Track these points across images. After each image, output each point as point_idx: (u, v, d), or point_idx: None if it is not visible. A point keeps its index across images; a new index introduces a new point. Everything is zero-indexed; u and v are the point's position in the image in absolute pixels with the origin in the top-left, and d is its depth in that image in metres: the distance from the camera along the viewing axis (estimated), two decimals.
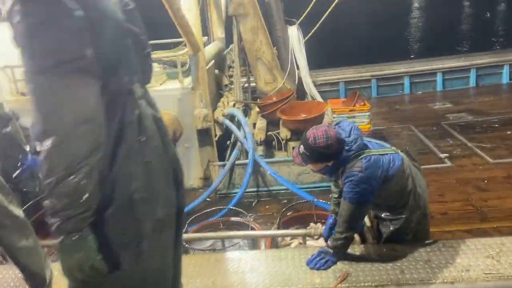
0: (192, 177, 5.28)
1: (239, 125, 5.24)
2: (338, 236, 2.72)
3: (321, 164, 2.62)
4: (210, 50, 6.09)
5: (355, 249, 2.83)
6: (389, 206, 2.82)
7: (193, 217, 4.04)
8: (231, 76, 6.41)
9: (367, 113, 5.43)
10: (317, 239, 3.09)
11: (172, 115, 5.02)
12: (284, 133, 5.05)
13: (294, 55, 5.92)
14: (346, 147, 2.56)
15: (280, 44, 5.99)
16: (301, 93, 6.17)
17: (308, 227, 3.18)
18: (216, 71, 6.74)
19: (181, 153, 5.10)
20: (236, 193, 4.75)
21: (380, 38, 14.25)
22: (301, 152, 2.56)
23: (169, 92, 5.04)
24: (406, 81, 8.29)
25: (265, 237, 3.30)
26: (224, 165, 5.02)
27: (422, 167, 2.99)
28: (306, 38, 6.16)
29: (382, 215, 2.86)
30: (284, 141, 5.10)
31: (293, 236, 3.28)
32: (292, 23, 6.25)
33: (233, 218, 4.02)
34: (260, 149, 5.26)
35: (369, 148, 2.66)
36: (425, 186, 2.87)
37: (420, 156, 4.16)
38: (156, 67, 5.40)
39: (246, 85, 6.38)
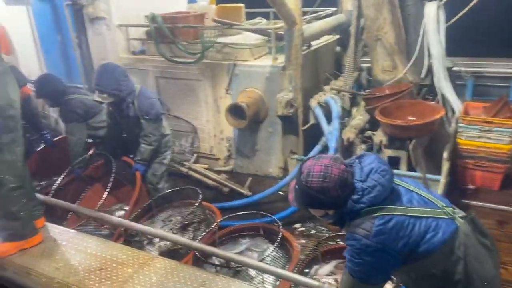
0: (271, 165, 4.82)
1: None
2: None
3: (317, 210, 1.89)
4: (326, 23, 5.30)
5: None
6: None
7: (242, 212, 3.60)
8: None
9: (510, 130, 3.98)
10: None
11: (258, 95, 4.56)
12: (379, 137, 4.09)
13: (427, 39, 4.67)
14: (355, 196, 1.77)
15: (409, 24, 4.80)
16: (431, 89, 4.91)
17: (321, 281, 2.44)
18: (338, 48, 5.93)
19: (263, 137, 4.72)
20: None
21: None
22: (296, 187, 1.86)
23: (257, 69, 4.57)
24: None
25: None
26: (301, 160, 4.38)
27: None
28: (451, 21, 4.76)
29: None
30: (377, 147, 4.15)
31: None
32: None
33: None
34: (360, 148, 4.42)
35: (395, 203, 1.77)
36: (495, 277, 1.82)
37: None
38: (258, 38, 4.95)
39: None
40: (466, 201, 4.11)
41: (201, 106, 4.98)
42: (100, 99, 3.77)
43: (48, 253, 2.82)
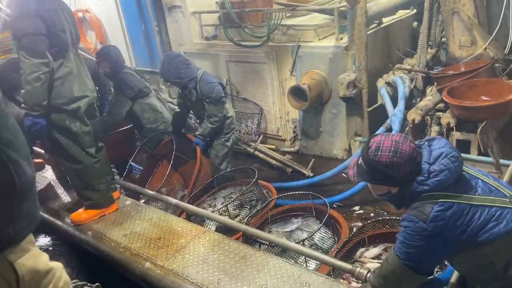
0: (336, 146, 4.81)
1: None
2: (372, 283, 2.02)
3: (380, 187, 1.93)
4: None
5: None
6: (484, 280, 1.87)
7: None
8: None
9: None
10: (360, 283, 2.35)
11: (321, 76, 4.54)
12: (446, 118, 3.82)
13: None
14: (420, 178, 1.78)
15: None
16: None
17: (354, 265, 2.45)
18: (415, 23, 5.57)
19: (327, 118, 4.71)
20: None
21: None
22: (358, 163, 1.91)
23: (320, 50, 4.53)
24: None
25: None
26: (365, 142, 4.29)
27: None
28: None
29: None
30: (445, 129, 3.89)
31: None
32: None
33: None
34: (433, 130, 4.20)
35: (459, 191, 1.77)
36: None
37: None
38: (325, 18, 4.87)
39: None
40: None
41: (268, 88, 5.10)
42: (164, 86, 4.10)
43: (119, 221, 3.24)
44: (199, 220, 3.57)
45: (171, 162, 3.89)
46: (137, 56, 6.54)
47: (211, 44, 5.54)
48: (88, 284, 2.29)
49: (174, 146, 3.97)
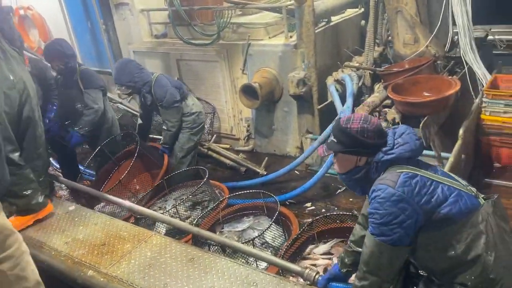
0: (289, 144, 4.83)
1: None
2: (355, 284, 2.01)
3: (350, 158, 1.99)
4: None
5: None
6: (438, 270, 1.96)
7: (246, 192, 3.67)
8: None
9: None
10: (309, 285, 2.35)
11: (272, 74, 4.54)
12: (391, 114, 3.94)
13: (451, 8, 4.37)
14: (385, 148, 1.95)
15: None
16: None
17: (303, 266, 2.45)
18: (363, 22, 5.70)
19: (280, 116, 4.72)
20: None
21: None
22: (328, 141, 2.06)
23: (270, 48, 4.54)
24: None
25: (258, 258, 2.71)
26: (315, 139, 4.35)
27: None
28: None
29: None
30: (390, 124, 4.00)
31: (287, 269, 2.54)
32: None
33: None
34: None
35: (421, 168, 1.90)
36: None
37: None
38: (275, 16, 4.88)
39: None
40: (490, 180, 3.91)
41: (220, 87, 5.05)
42: (120, 91, 3.99)
43: (61, 228, 3.09)
44: (150, 223, 3.47)
45: (134, 157, 3.87)
46: (84, 54, 6.27)
47: (161, 42, 5.42)
48: None
49: (139, 142, 3.94)
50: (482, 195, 1.96)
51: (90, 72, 4.20)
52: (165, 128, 4.11)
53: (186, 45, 4.96)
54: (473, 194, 1.92)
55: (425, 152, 3.71)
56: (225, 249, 2.85)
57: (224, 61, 4.86)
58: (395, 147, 1.92)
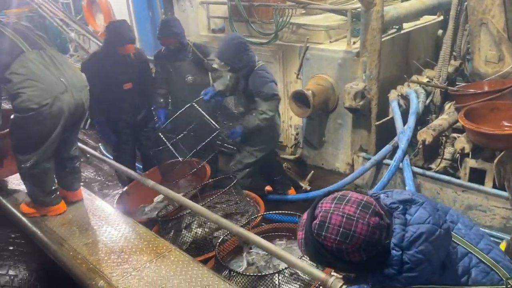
0: (339, 159, 4.43)
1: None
2: None
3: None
4: (422, 3, 4.57)
5: None
6: None
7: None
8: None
9: None
10: None
11: (328, 82, 4.16)
12: (460, 143, 3.41)
13: None
14: (388, 271, 1.30)
15: None
16: None
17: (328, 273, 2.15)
18: (440, 32, 5.12)
19: (332, 128, 4.34)
20: None
21: None
22: (303, 234, 1.40)
23: (329, 54, 4.14)
24: None
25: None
26: (368, 159, 3.92)
27: None
28: None
29: None
30: (457, 155, 3.48)
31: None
32: None
33: None
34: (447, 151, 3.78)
35: (445, 279, 1.34)
36: None
37: None
38: (339, 20, 4.47)
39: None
40: None
41: None
42: (217, 66, 3.73)
43: (84, 226, 2.97)
44: (177, 229, 3.28)
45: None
46: (143, 43, 6.24)
47: (217, 37, 5.20)
48: None
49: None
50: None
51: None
52: (257, 118, 3.59)
53: None
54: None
55: (497, 192, 3.21)
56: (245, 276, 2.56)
57: (279, 63, 4.55)
58: (404, 270, 1.27)
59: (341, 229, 1.27)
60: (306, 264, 2.35)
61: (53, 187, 3.04)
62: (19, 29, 2.87)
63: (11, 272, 2.81)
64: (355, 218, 1.27)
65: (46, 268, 2.94)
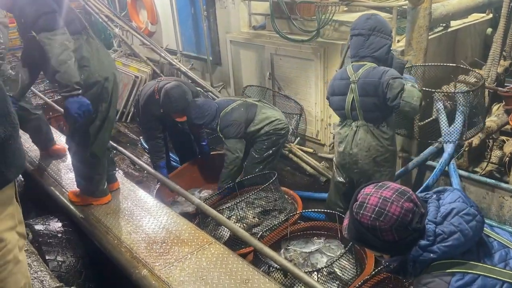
0: None
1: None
2: None
3: (368, 250, 1.61)
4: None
5: None
6: None
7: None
8: None
9: None
10: None
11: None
12: (509, 146, 3.28)
13: None
14: (424, 242, 1.39)
15: None
16: None
17: None
18: (489, 30, 4.92)
19: None
20: None
21: None
22: (348, 222, 1.54)
23: None
24: None
25: None
26: (410, 160, 3.83)
27: None
28: None
29: None
30: (507, 158, 3.34)
31: None
32: None
33: None
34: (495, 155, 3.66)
35: (482, 259, 1.39)
36: None
37: None
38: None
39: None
40: None
41: (311, 87, 4.71)
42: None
43: (128, 216, 3.07)
44: (216, 223, 3.32)
45: None
46: (185, 39, 6.37)
47: (258, 34, 5.23)
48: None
49: None
50: None
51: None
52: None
53: (283, 40, 4.71)
54: None
55: None
56: (286, 274, 2.57)
57: (320, 61, 4.51)
58: (437, 241, 1.37)
59: (376, 208, 1.41)
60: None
61: (104, 179, 3.15)
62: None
63: (59, 258, 2.94)
64: (391, 200, 1.41)
65: (91, 255, 3.06)
